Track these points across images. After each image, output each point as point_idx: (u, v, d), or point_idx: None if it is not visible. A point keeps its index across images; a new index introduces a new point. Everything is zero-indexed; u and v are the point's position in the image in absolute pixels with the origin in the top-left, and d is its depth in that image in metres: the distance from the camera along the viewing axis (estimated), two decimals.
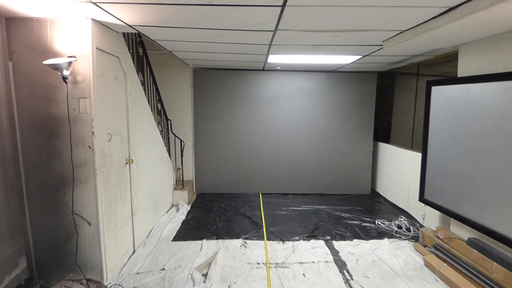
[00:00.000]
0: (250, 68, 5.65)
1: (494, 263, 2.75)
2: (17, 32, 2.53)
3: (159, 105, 4.83)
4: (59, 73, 2.47)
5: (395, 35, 2.99)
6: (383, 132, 6.03)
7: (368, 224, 4.45)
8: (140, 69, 3.91)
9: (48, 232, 2.74)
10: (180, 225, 4.38)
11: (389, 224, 4.41)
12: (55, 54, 2.55)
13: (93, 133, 2.63)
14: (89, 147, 2.65)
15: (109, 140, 2.94)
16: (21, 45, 2.54)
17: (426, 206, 3.88)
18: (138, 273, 3.11)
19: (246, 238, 3.93)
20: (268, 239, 3.92)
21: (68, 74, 2.49)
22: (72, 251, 2.76)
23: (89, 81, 2.59)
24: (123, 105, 3.27)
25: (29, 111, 2.61)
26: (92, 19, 2.56)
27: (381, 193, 5.96)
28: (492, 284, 2.72)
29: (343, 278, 3.07)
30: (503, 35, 2.79)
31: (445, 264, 3.18)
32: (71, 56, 2.54)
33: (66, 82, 2.54)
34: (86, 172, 2.69)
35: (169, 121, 5.30)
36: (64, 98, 2.60)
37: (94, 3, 2.17)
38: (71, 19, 2.53)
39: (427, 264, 3.27)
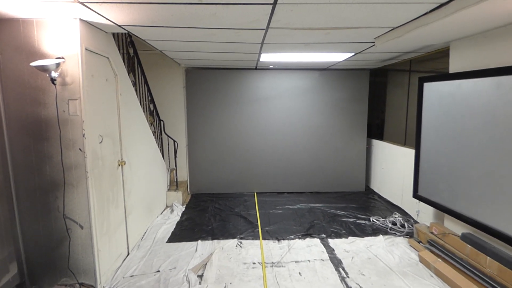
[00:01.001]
0: (243, 67, 5.63)
1: (488, 257, 2.77)
2: (2, 34, 2.47)
3: (151, 105, 4.78)
4: (47, 75, 2.43)
5: (387, 32, 2.99)
6: (376, 129, 6.05)
7: (363, 221, 4.46)
8: (131, 69, 3.86)
9: (39, 236, 2.70)
10: (174, 226, 4.34)
11: (384, 220, 4.43)
12: (43, 56, 2.50)
13: (83, 135, 2.58)
14: (80, 149, 2.61)
15: (101, 142, 2.89)
16: (7, 46, 2.49)
17: (420, 202, 3.91)
18: (132, 276, 3.07)
19: (241, 238, 3.91)
20: (264, 239, 3.91)
21: (56, 75, 2.45)
22: (65, 256, 2.72)
23: (78, 83, 2.54)
24: (114, 107, 3.22)
25: (17, 114, 2.56)
26: (80, 19, 2.51)
27: (375, 190, 5.99)
28: (486, 278, 2.74)
29: (339, 276, 3.07)
30: (494, 31, 2.81)
31: (440, 260, 3.20)
32: (59, 58, 2.48)
33: (54, 84, 2.49)
34: (77, 175, 2.64)
35: (162, 122, 5.25)
36: (53, 100, 2.55)
37: (82, 3, 2.12)
38: (59, 19, 2.48)
39: (422, 260, 3.29)
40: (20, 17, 2.44)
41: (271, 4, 2.11)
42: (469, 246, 2.99)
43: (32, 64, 2.33)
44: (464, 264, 2.99)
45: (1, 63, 2.50)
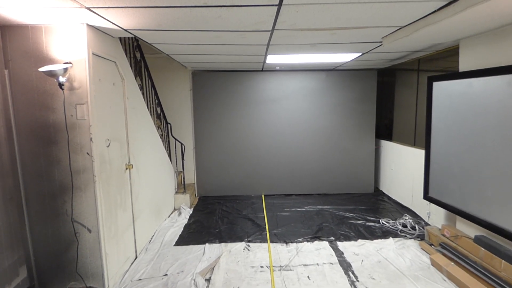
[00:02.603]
0: (249, 69, 5.62)
1: (503, 261, 2.69)
2: (12, 40, 2.51)
3: (158, 109, 4.81)
4: (55, 80, 2.45)
5: (395, 31, 2.95)
6: (385, 129, 5.98)
7: (372, 224, 4.39)
8: (138, 73, 3.88)
9: (48, 240, 2.72)
10: (182, 229, 4.34)
11: (394, 223, 4.35)
12: (51, 61, 2.53)
13: (91, 139, 2.60)
14: (87, 153, 2.62)
15: (108, 146, 2.91)
16: (16, 52, 2.52)
17: (431, 203, 3.83)
18: (140, 279, 3.07)
19: (249, 241, 3.89)
20: (272, 242, 3.87)
21: (64, 80, 2.47)
22: (73, 259, 2.73)
23: (86, 87, 2.56)
24: (121, 110, 3.24)
25: (26, 119, 2.59)
26: (87, 25, 2.53)
27: (384, 191, 5.90)
28: (501, 283, 2.66)
29: (348, 280, 3.02)
30: (505, 28, 2.74)
31: (452, 263, 3.12)
32: (67, 63, 2.51)
33: (62, 89, 2.51)
34: (85, 179, 2.66)
35: (169, 125, 5.27)
36: (61, 105, 2.57)
37: (88, 9, 2.14)
38: (66, 25, 2.50)
39: (434, 263, 3.22)
40: (29, 23, 2.47)
41: (276, 5, 2.10)
42: (483, 249, 2.91)
43: (41, 69, 2.36)
44: (478, 268, 2.91)
45: (10, 69, 2.53)
